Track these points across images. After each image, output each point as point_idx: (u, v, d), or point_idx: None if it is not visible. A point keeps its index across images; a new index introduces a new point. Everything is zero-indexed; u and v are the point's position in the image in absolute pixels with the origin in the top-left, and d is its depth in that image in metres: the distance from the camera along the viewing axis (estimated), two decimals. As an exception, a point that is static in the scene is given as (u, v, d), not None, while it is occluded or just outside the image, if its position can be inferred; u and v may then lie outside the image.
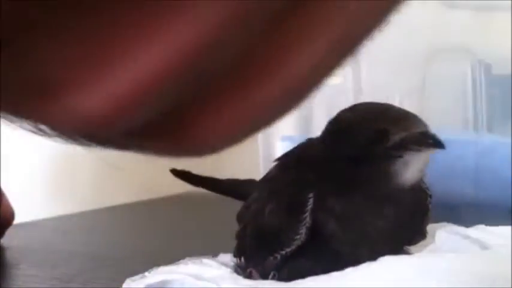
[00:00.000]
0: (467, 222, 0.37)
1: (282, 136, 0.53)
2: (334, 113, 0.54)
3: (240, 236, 0.38)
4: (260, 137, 0.55)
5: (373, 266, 0.29)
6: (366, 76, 0.52)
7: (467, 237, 0.31)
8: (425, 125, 0.33)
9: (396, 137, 0.32)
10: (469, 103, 0.51)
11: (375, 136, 0.33)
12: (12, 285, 0.46)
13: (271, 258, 0.34)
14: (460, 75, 0.51)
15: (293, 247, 0.33)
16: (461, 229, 0.31)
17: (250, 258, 0.36)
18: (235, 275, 0.35)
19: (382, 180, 0.33)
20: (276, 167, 0.39)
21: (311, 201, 0.33)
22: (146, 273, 0.36)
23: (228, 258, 0.41)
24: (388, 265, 0.28)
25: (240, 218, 0.39)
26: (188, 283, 0.32)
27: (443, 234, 0.31)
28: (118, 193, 0.94)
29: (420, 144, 0.33)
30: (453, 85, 0.52)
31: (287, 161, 0.38)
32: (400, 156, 0.33)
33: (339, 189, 0.34)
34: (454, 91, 0.52)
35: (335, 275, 0.30)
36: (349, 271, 0.29)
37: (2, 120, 0.11)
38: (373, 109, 0.35)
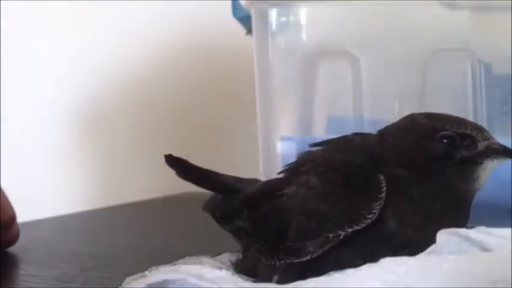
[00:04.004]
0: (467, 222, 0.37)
1: (282, 136, 0.53)
2: (334, 113, 0.54)
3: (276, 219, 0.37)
4: (260, 137, 0.55)
5: (373, 268, 0.29)
6: (366, 76, 0.52)
7: (467, 239, 0.31)
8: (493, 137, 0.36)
9: (482, 144, 0.35)
10: (469, 103, 0.51)
11: (461, 141, 0.35)
12: (12, 285, 0.46)
13: (331, 235, 0.33)
14: (460, 75, 0.51)
15: (363, 225, 0.33)
16: (462, 231, 0.31)
17: (299, 234, 0.35)
18: (236, 276, 0.35)
19: (461, 184, 0.35)
20: (319, 152, 0.38)
21: (384, 183, 0.34)
22: (146, 273, 0.36)
23: (228, 258, 0.41)
24: (388, 267, 0.28)
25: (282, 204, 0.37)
26: (189, 283, 0.32)
27: (443, 236, 0.31)
28: (118, 193, 0.94)
29: (500, 154, 0.35)
30: (453, 85, 0.52)
31: (342, 147, 0.38)
32: (481, 163, 0.35)
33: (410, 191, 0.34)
34: (454, 91, 0.52)
35: (336, 276, 0.29)
36: (350, 272, 0.29)
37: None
38: (453, 116, 0.36)
